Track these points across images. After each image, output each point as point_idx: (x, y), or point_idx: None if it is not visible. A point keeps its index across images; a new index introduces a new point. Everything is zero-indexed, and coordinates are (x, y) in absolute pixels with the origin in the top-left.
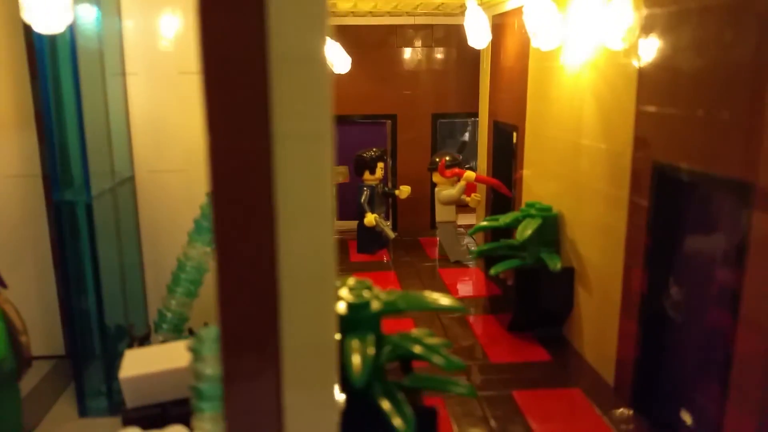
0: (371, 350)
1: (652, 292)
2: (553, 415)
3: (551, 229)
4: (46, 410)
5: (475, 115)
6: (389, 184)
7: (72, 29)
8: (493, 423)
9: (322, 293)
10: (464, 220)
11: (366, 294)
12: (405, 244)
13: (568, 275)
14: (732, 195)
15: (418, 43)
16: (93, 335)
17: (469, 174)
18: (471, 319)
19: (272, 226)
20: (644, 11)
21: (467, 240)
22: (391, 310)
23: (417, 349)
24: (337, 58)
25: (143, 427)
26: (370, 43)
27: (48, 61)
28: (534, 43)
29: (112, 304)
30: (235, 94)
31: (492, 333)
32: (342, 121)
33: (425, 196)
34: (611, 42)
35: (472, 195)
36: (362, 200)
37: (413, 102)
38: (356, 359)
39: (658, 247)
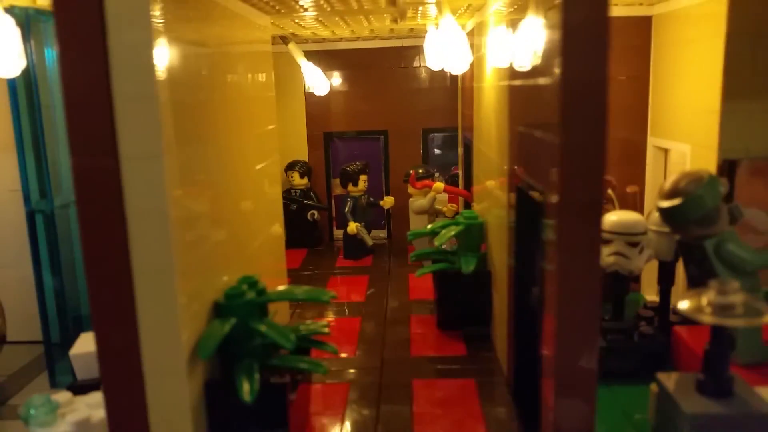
0: (221, 330)
1: (521, 290)
2: (438, 401)
3: (476, 235)
4: (23, 386)
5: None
6: (383, 196)
7: (32, 70)
8: (382, 406)
9: (166, 285)
10: None
11: (243, 287)
12: (394, 250)
13: (485, 278)
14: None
15: (408, 63)
16: (58, 322)
17: (438, 185)
18: (413, 317)
19: (125, 228)
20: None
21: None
22: (263, 299)
23: (266, 330)
24: (317, 81)
25: None
26: (363, 65)
27: (20, 97)
28: (435, 67)
29: (72, 297)
30: (89, 124)
31: (424, 331)
32: (338, 137)
33: None
34: (497, 64)
35: (448, 205)
36: (346, 210)
37: (403, 118)
38: (204, 336)
39: (521, 252)
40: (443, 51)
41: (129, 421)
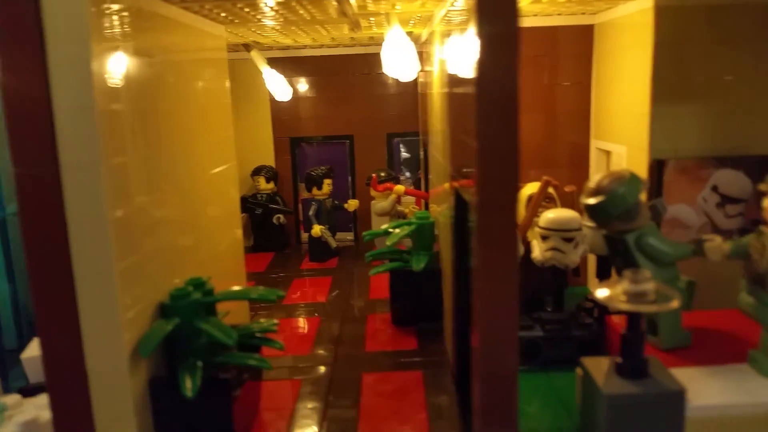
0: (162, 330)
1: (461, 285)
2: (386, 393)
3: (428, 235)
4: None
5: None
6: (348, 199)
7: None
8: (331, 399)
9: (107, 288)
10: None
11: (189, 288)
12: (359, 252)
13: (436, 275)
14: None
15: (371, 70)
16: (14, 328)
17: (399, 188)
18: (371, 316)
19: (66, 233)
20: None
21: None
22: (209, 300)
23: (208, 329)
24: (278, 88)
25: None
26: (328, 71)
27: None
28: (391, 75)
29: (28, 303)
30: (29, 134)
31: (380, 328)
32: (305, 142)
33: None
34: (440, 72)
35: (411, 207)
36: (310, 213)
37: (369, 123)
38: (146, 335)
39: (459, 250)
40: (391, 59)
41: (74, 419)
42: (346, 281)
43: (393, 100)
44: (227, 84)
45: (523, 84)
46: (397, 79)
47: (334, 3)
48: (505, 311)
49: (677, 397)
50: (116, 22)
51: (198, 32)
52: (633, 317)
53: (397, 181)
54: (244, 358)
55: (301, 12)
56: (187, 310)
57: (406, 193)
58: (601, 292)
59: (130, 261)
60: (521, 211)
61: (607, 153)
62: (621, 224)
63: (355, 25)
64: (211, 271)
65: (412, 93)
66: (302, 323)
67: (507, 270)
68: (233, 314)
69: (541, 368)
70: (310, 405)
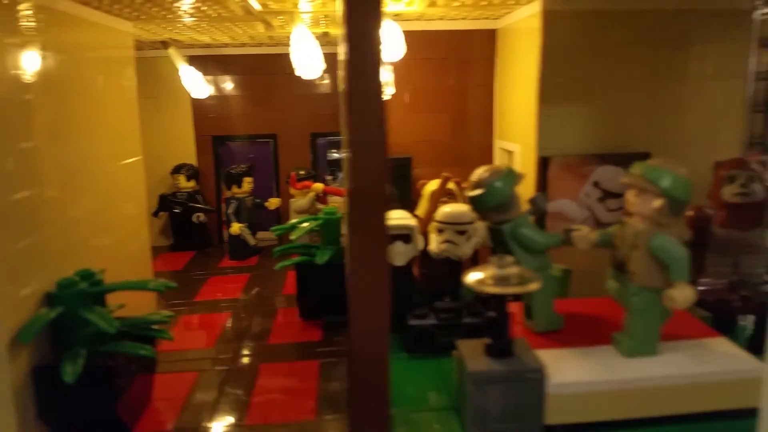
0: (45, 317)
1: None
2: (280, 382)
3: (334, 229)
4: None
5: None
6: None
7: None
8: (226, 388)
9: None
10: None
11: (76, 278)
12: None
13: (340, 268)
14: None
15: (293, 69)
16: None
17: (317, 186)
18: (282, 310)
19: None
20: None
21: None
22: (96, 290)
23: (91, 317)
24: (195, 85)
25: None
26: (251, 70)
27: None
28: (298, 73)
29: None
30: None
31: (289, 320)
32: (230, 140)
33: None
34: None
35: (331, 205)
36: (229, 212)
37: (292, 122)
38: (28, 323)
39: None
40: (296, 57)
41: None
42: (263, 277)
43: (317, 100)
44: (133, 78)
45: (429, 85)
46: (321, 80)
47: (237, 0)
48: (376, 295)
49: (536, 374)
50: (24, 18)
51: (103, 29)
52: (498, 299)
53: (317, 180)
54: (133, 348)
55: (206, 9)
56: (73, 299)
57: (325, 191)
58: (470, 278)
59: (9, 251)
60: (424, 206)
61: (510, 152)
62: (498, 215)
63: (266, 24)
64: (109, 265)
65: (336, 93)
66: (211, 318)
67: (376, 255)
68: (137, 308)
69: (434, 355)
70: (202, 395)
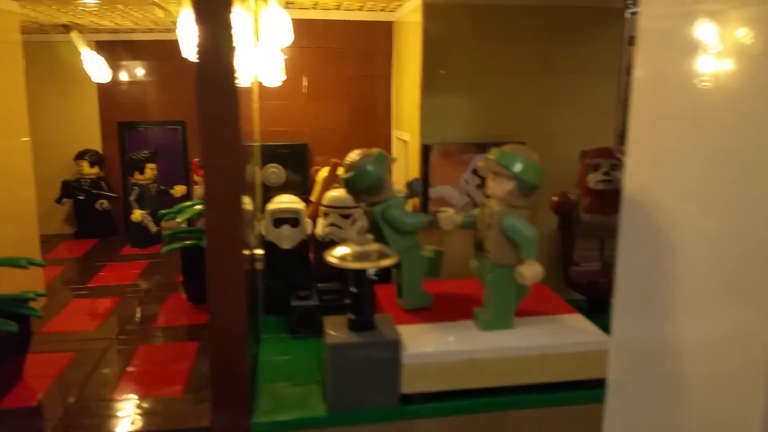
0: None
1: None
2: (154, 362)
3: None
4: None
5: None
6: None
7: None
8: (98, 370)
9: None
10: None
11: None
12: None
13: None
14: None
15: None
16: None
17: None
18: (174, 295)
19: None
20: None
21: None
22: None
23: None
24: (96, 70)
25: None
26: (160, 56)
27: None
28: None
29: None
30: None
31: (177, 305)
32: (137, 127)
33: None
34: None
35: None
36: (131, 198)
37: None
38: None
39: None
40: (183, 40)
41: None
42: (161, 265)
43: None
44: (19, 59)
45: (328, 74)
46: None
47: None
48: (231, 271)
49: (392, 345)
50: None
51: None
52: (359, 275)
53: None
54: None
55: None
56: None
57: None
58: (333, 254)
59: None
60: (317, 191)
61: (405, 142)
62: (369, 197)
63: (160, 8)
64: None
65: None
66: (99, 303)
67: (232, 230)
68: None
69: (317, 335)
70: (75, 373)
